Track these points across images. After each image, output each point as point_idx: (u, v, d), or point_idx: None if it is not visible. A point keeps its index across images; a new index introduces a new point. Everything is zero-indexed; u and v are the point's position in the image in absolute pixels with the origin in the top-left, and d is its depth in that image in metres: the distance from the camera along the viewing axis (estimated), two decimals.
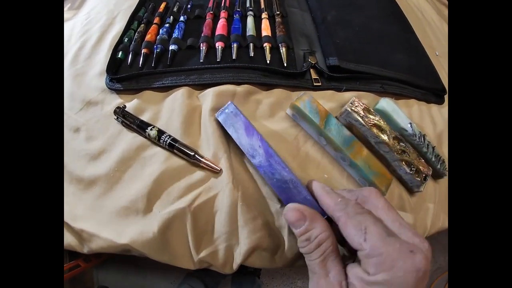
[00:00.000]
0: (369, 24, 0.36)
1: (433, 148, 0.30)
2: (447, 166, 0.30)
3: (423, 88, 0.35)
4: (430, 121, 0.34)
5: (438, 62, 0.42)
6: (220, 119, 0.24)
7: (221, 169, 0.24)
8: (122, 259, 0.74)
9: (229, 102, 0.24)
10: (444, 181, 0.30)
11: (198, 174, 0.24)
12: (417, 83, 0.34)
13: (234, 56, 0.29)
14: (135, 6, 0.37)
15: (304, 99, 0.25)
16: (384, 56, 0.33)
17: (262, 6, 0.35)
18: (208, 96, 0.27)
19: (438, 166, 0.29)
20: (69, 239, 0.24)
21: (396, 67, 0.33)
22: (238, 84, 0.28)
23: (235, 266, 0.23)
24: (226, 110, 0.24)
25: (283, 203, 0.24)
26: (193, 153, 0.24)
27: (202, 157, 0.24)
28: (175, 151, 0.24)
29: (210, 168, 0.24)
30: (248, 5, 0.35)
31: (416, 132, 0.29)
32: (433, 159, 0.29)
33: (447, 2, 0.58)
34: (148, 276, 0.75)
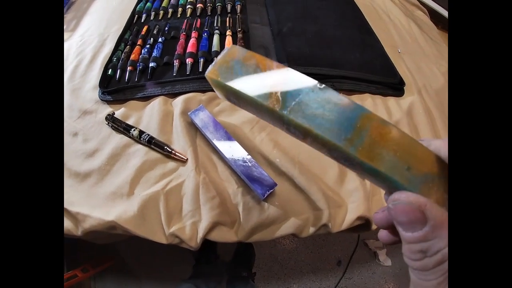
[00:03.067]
0: (323, 31, 0.44)
1: None
2: None
3: (378, 83, 0.43)
4: (385, 111, 0.42)
5: (399, 59, 0.50)
6: (193, 117, 0.33)
7: (187, 158, 0.32)
8: (119, 271, 0.82)
9: (201, 105, 0.34)
10: None
11: (171, 164, 0.33)
12: (370, 79, 0.42)
13: (200, 69, 0.38)
14: (122, 29, 0.47)
15: (228, 60, 0.15)
16: (335, 58, 0.42)
17: (228, 24, 0.45)
18: (179, 103, 0.36)
19: None
20: (66, 223, 0.32)
21: (348, 66, 0.42)
22: (204, 92, 0.37)
23: (199, 240, 0.30)
24: (198, 111, 0.34)
25: (239, 185, 0.32)
26: (165, 147, 0.32)
27: (172, 149, 0.32)
28: (152, 146, 0.33)
29: (178, 157, 0.32)
30: (215, 24, 0.45)
31: None
32: None
33: (417, 2, 0.67)
34: (144, 286, 0.82)
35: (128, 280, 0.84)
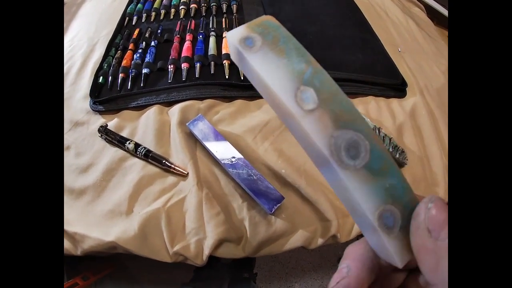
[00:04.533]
0: (324, 32, 0.42)
1: (390, 139, 0.35)
2: (407, 155, 0.35)
3: (380, 85, 0.41)
4: (389, 114, 0.40)
5: (400, 58, 0.48)
6: (191, 128, 0.31)
7: (188, 173, 0.30)
8: (120, 277, 0.80)
9: (199, 115, 0.32)
10: (405, 170, 0.34)
11: (170, 179, 0.31)
12: (372, 81, 0.40)
13: (197, 75, 0.36)
14: (112, 33, 0.44)
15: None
16: (337, 59, 0.40)
17: (224, 25, 0.42)
18: (175, 112, 0.34)
19: (397, 156, 0.35)
20: (64, 243, 0.30)
21: (350, 68, 0.40)
22: (202, 99, 0.34)
23: (204, 257, 0.29)
24: (197, 121, 0.31)
25: (244, 199, 0.30)
26: (163, 161, 0.30)
27: (171, 163, 0.30)
28: (149, 160, 0.31)
29: (178, 172, 0.30)
30: (211, 26, 0.42)
31: (370, 126, 0.35)
32: (391, 149, 0.35)
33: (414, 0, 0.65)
34: None
35: (129, 285, 0.82)
